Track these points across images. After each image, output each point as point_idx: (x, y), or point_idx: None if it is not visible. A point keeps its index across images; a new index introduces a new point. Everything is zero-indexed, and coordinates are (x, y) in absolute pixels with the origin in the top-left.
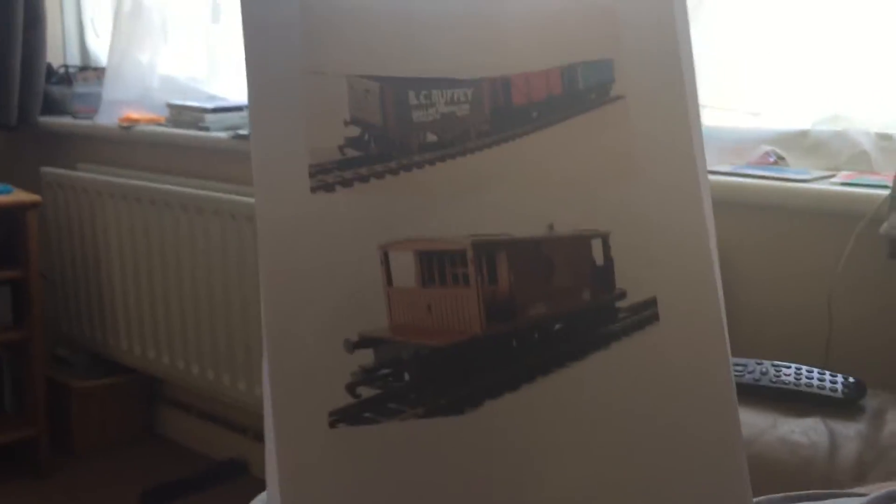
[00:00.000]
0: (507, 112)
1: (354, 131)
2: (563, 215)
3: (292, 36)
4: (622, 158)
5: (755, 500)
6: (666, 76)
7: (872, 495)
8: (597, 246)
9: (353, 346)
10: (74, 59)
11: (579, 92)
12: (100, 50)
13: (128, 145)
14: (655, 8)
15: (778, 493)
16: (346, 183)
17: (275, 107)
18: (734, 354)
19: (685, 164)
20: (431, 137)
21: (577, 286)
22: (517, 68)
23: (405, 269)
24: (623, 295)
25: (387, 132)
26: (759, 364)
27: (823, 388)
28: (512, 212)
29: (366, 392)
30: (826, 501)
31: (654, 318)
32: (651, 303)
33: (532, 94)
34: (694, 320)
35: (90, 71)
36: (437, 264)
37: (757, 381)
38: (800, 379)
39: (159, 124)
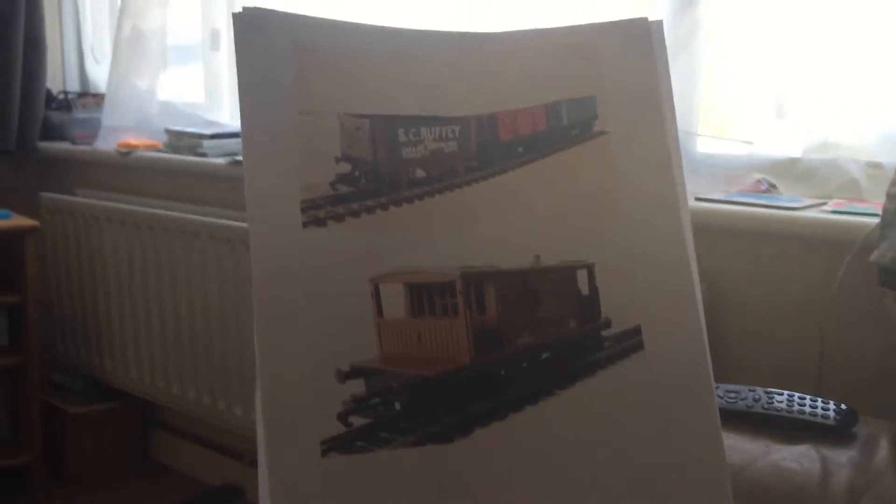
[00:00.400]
0: (493, 148)
1: (345, 167)
2: (549, 247)
3: (285, 75)
4: (606, 191)
5: None
6: (647, 111)
7: None
8: (582, 276)
9: (345, 376)
10: (74, 86)
11: (564, 128)
12: (99, 76)
13: (126, 171)
14: (636, 45)
15: None
16: (338, 218)
17: (268, 144)
18: (727, 381)
19: (667, 195)
20: (420, 173)
21: (564, 316)
22: (503, 105)
23: (395, 300)
24: (608, 324)
25: (377, 168)
26: (751, 391)
27: (815, 414)
28: (499, 244)
29: (357, 421)
30: None
31: (639, 346)
32: (636, 331)
33: (518, 130)
34: (677, 348)
35: (89, 97)
36: (426, 296)
37: (749, 407)
38: (792, 406)
39: (157, 150)
